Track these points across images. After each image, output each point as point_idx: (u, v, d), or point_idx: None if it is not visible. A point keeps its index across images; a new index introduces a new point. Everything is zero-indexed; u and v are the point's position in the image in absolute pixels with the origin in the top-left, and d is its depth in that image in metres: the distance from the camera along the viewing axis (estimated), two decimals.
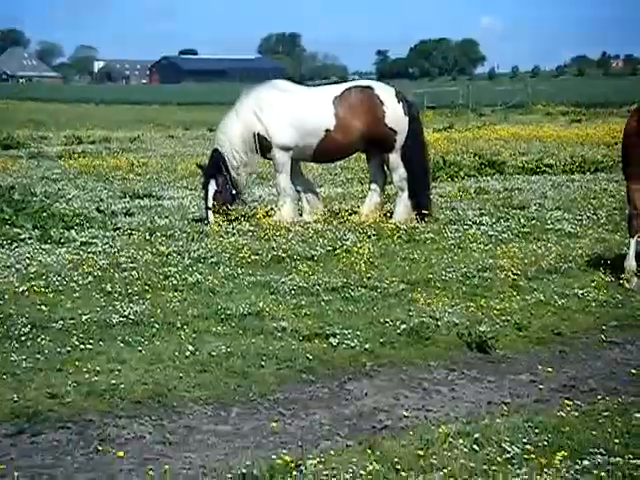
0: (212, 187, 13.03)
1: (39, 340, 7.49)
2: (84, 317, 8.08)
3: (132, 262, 10.25)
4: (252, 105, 13.11)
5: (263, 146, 13.08)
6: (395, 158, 13.14)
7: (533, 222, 12.79)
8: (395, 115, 13.08)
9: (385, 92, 13.25)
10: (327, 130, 12.99)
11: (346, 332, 7.83)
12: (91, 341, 7.48)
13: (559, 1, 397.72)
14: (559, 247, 11.14)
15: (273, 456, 5.35)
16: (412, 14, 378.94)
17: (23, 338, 7.55)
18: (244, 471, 5.09)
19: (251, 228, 12.41)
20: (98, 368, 6.88)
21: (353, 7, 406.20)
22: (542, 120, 39.16)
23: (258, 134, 13.01)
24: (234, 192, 13.14)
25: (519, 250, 10.91)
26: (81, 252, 10.80)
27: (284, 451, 5.52)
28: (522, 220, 12.88)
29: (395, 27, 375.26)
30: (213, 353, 7.26)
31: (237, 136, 13.03)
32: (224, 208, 12.96)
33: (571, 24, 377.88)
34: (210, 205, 12.98)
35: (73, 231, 12.12)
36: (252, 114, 13.04)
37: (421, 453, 5.20)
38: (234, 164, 13.05)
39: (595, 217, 13.13)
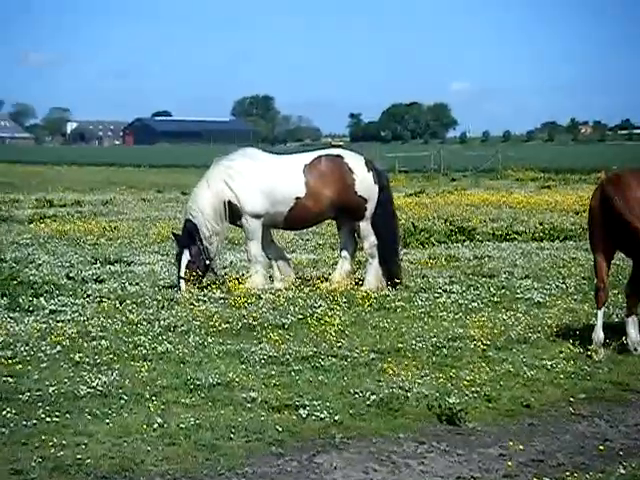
0: (185, 257, 13.05)
1: (4, 413, 7.38)
2: (51, 389, 7.99)
3: (101, 331, 10.19)
4: (223, 174, 13.21)
5: (234, 214, 13.15)
6: (365, 226, 13.25)
7: (503, 291, 12.88)
8: (365, 183, 13.21)
9: (355, 161, 13.40)
10: (297, 198, 13.08)
11: (316, 403, 7.80)
12: (58, 414, 7.40)
13: (528, 67, 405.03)
14: (528, 317, 11.20)
15: None
16: (384, 78, 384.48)
17: None
18: None
19: (222, 295, 12.40)
20: (64, 442, 6.80)
21: (326, 70, 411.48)
22: (512, 185, 39.63)
23: (229, 202, 13.09)
24: (207, 262, 13.16)
25: (489, 319, 10.96)
26: (50, 321, 10.73)
27: None
28: (492, 289, 12.96)
29: (368, 91, 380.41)
30: (182, 425, 7.20)
31: (208, 205, 13.10)
32: (196, 277, 12.97)
33: (541, 90, 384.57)
34: (183, 274, 12.99)
35: (42, 299, 12.03)
36: (223, 183, 13.12)
37: None
38: (206, 234, 13.10)
39: (564, 286, 13.24)
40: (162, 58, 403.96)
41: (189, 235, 13.14)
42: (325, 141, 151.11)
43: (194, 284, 12.87)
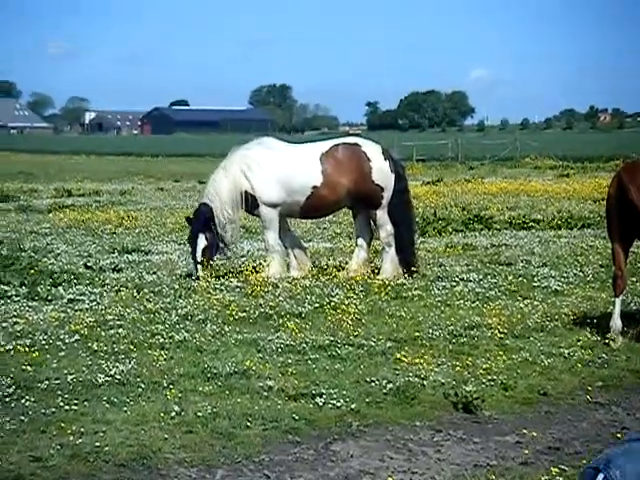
0: (202, 242, 13.06)
1: (23, 401, 7.45)
2: (69, 377, 8.05)
3: (119, 320, 10.24)
4: (240, 163, 13.21)
5: (251, 203, 13.16)
6: (382, 215, 13.23)
7: (520, 279, 12.85)
8: (382, 172, 13.19)
9: (372, 149, 13.38)
10: (314, 187, 13.08)
11: (332, 391, 7.82)
12: (76, 402, 7.45)
13: (547, 55, 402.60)
14: (545, 305, 11.18)
15: None
16: (402, 66, 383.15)
17: (7, 399, 7.51)
18: None
19: (239, 284, 12.43)
20: (83, 430, 6.85)
21: (344, 59, 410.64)
22: (530, 174, 39.45)
23: (246, 192, 13.10)
24: (222, 247, 13.19)
25: (506, 308, 10.94)
26: (68, 310, 10.79)
27: None
28: (509, 277, 12.94)
29: (385, 79, 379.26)
30: (199, 413, 7.24)
31: (226, 192, 13.11)
32: (212, 263, 13.00)
33: (560, 77, 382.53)
34: (199, 259, 13.01)
35: (61, 288, 12.11)
36: (240, 172, 13.12)
37: None
38: (222, 221, 13.11)
39: (582, 274, 13.20)
40: (180, 48, 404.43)
41: (204, 219, 13.13)
42: (342, 130, 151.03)
43: (211, 270, 12.90)
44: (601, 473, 2.28)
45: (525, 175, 37.75)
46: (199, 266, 12.97)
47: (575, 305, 11.18)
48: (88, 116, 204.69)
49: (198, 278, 12.75)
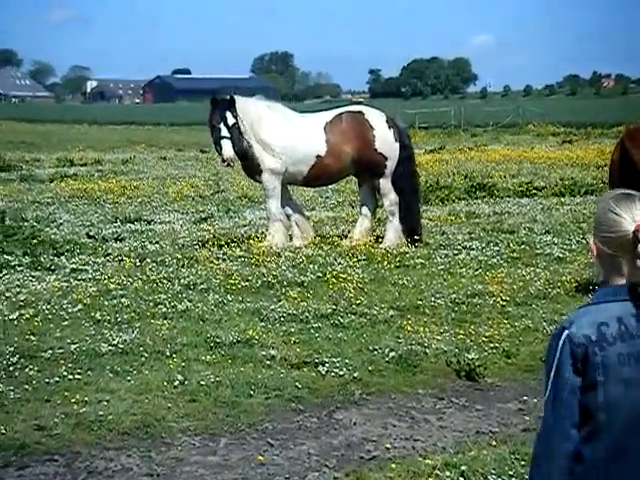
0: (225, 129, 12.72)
1: (27, 370, 7.48)
2: (73, 346, 8.08)
3: (122, 289, 10.26)
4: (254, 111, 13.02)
5: (254, 169, 13.12)
6: (385, 183, 13.20)
7: (522, 247, 12.85)
8: (385, 141, 13.14)
9: (376, 117, 13.32)
10: (318, 156, 13.04)
11: (335, 360, 7.84)
12: (79, 371, 7.48)
13: (549, 20, 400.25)
14: (548, 272, 11.18)
15: None
16: (405, 33, 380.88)
17: (11, 368, 7.55)
18: None
19: (241, 253, 12.44)
20: (86, 399, 6.89)
21: (345, 26, 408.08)
22: (533, 141, 39.33)
23: (252, 155, 12.99)
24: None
25: (508, 276, 10.95)
26: (71, 279, 10.81)
27: None
28: (511, 245, 12.93)
29: (388, 45, 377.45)
30: (202, 382, 7.26)
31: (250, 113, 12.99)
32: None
33: (563, 42, 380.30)
34: (227, 135, 12.68)
35: (63, 257, 12.12)
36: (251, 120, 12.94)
37: None
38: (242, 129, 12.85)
39: (584, 242, 13.18)
40: (181, 16, 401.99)
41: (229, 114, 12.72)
42: (345, 97, 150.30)
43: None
44: (566, 330, 2.91)
45: (528, 142, 37.65)
46: (227, 141, 12.68)
47: (577, 272, 11.19)
48: (90, 85, 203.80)
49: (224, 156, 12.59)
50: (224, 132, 12.66)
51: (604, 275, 3.01)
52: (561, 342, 2.91)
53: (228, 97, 12.90)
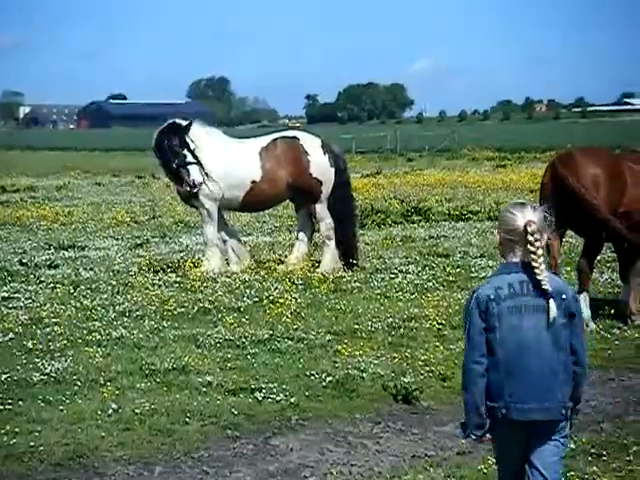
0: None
1: None
2: (4, 376, 7.92)
3: (55, 317, 10.10)
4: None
5: (189, 196, 13.06)
6: (321, 208, 13.23)
7: (458, 270, 12.96)
8: (320, 166, 13.19)
9: (311, 143, 13.37)
10: (253, 182, 13.04)
11: (272, 386, 7.81)
12: (10, 401, 7.33)
13: (483, 47, 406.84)
14: None
15: None
16: (341, 58, 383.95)
17: None
18: None
19: (177, 279, 12.35)
20: (17, 429, 6.74)
21: (282, 52, 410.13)
22: (468, 165, 39.80)
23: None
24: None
25: (444, 299, 11.03)
26: (2, 307, 10.62)
27: None
28: (447, 268, 13.04)
29: (324, 72, 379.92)
30: (137, 410, 7.17)
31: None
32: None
33: (496, 69, 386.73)
34: (192, 160, 12.76)
35: None
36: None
37: None
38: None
39: None
40: (117, 42, 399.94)
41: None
42: (283, 122, 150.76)
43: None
44: (475, 292, 4.35)
45: (463, 166, 38.08)
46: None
47: None
48: (22, 110, 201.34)
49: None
50: (190, 158, 12.70)
51: (503, 256, 4.40)
52: (472, 300, 4.33)
53: (188, 122, 12.89)
